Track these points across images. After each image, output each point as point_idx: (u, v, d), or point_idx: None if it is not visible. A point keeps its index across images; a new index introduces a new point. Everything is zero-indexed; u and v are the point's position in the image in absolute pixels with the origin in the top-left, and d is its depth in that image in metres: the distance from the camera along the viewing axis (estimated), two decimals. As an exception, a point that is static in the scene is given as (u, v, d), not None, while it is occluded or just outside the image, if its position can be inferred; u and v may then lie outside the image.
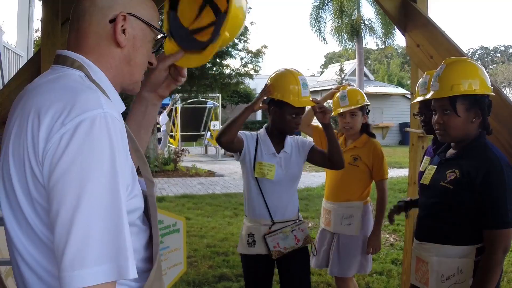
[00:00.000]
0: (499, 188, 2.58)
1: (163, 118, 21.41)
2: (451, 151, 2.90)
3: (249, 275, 3.75)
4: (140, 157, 1.56)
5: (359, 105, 4.25)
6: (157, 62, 1.74)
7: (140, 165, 1.61)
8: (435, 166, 2.92)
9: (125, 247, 1.22)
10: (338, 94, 4.43)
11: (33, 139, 1.25)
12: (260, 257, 3.62)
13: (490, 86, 2.78)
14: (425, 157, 3.66)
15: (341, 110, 4.30)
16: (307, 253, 3.75)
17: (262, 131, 3.77)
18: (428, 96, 2.92)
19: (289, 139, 3.74)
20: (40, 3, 4.12)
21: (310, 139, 4.16)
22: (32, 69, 3.74)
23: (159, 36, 1.65)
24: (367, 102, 4.36)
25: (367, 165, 4.24)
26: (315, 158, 3.78)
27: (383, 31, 26.42)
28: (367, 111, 4.41)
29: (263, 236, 3.56)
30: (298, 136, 3.87)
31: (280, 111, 3.55)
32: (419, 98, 3.51)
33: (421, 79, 3.71)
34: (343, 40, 27.55)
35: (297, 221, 3.67)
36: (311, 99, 3.61)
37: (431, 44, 4.12)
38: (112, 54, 1.51)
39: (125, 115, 1.52)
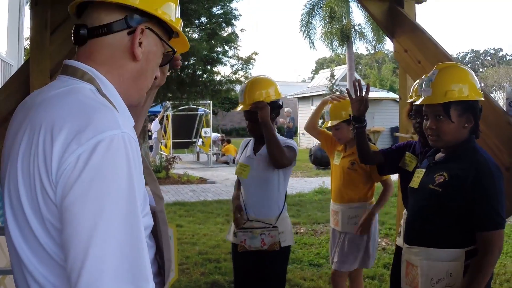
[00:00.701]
0: (490, 190, 2.61)
1: (154, 125, 21.36)
2: (440, 155, 2.92)
3: (236, 262, 4.10)
4: (149, 174, 1.53)
5: (339, 120, 4.39)
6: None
7: (149, 182, 1.57)
8: (424, 170, 2.94)
9: (145, 269, 1.21)
10: (324, 109, 4.65)
11: (45, 157, 1.22)
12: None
13: (480, 91, 2.81)
14: (408, 153, 3.70)
15: (327, 125, 4.55)
16: (284, 255, 3.92)
17: None
18: (418, 102, 2.94)
19: None
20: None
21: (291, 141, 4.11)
22: (21, 79, 3.74)
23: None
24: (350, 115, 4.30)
25: (364, 169, 4.35)
26: None
27: (375, 36, 26.49)
28: None
29: (237, 229, 3.90)
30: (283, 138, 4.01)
31: None
32: (410, 100, 3.55)
33: (418, 80, 3.70)
34: (334, 46, 27.61)
35: (271, 226, 3.82)
36: (263, 102, 3.79)
37: (418, 49, 4.15)
38: (126, 67, 1.48)
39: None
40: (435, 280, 2.69)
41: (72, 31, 1.46)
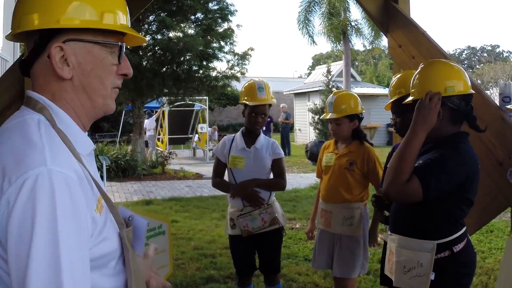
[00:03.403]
0: (440, 158, 2.65)
1: (149, 123, 21.35)
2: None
3: (235, 253, 4.52)
4: (107, 200, 1.43)
5: (343, 115, 4.26)
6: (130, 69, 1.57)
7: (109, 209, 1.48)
8: None
9: None
10: (328, 98, 4.44)
11: None
12: (240, 237, 4.34)
13: (450, 84, 2.79)
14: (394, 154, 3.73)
15: (328, 117, 4.34)
16: (279, 234, 4.40)
17: (239, 132, 4.54)
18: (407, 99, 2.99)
19: (263, 139, 4.44)
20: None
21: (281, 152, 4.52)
22: (16, 74, 3.72)
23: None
24: (357, 111, 4.32)
25: (362, 170, 4.26)
26: (272, 169, 4.45)
27: (372, 32, 26.45)
28: (361, 117, 4.38)
29: (236, 217, 4.29)
30: (275, 140, 4.54)
31: (245, 111, 4.36)
32: (391, 100, 3.58)
33: (393, 79, 3.73)
34: (332, 41, 27.55)
35: (266, 205, 4.29)
36: (274, 100, 4.38)
37: (412, 44, 4.16)
38: (64, 88, 1.42)
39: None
40: (407, 268, 2.76)
41: None
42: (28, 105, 1.40)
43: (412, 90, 2.88)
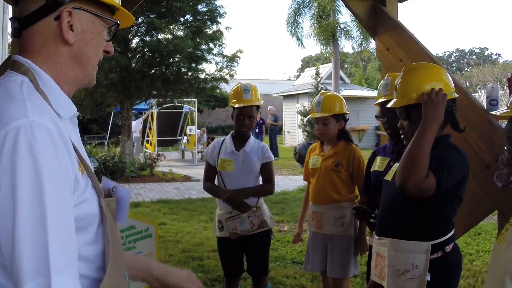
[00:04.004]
0: (445, 155, 2.69)
1: (136, 125, 21.29)
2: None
3: (223, 255, 4.53)
4: (86, 167, 1.45)
5: (331, 114, 4.30)
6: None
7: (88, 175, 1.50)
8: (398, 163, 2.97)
9: (47, 262, 1.20)
10: (315, 98, 4.49)
11: None
12: (228, 239, 4.33)
13: (452, 88, 2.85)
14: (379, 157, 3.74)
15: (316, 115, 4.36)
16: (267, 237, 4.41)
17: (229, 135, 4.55)
18: (390, 104, 3.00)
19: (253, 142, 4.45)
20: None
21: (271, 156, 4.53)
22: (2, 74, 3.70)
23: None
24: (343, 111, 4.36)
25: (348, 171, 4.29)
26: (261, 172, 4.45)
27: (362, 35, 26.51)
28: (346, 118, 4.43)
29: (225, 220, 4.30)
30: (265, 144, 4.56)
31: (233, 114, 4.41)
32: (378, 101, 3.60)
33: (382, 81, 3.76)
34: (321, 44, 27.61)
35: (255, 208, 4.30)
36: (261, 101, 4.42)
37: (400, 47, 4.17)
38: (60, 52, 1.46)
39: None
40: (400, 271, 2.74)
41: None
42: (13, 68, 1.43)
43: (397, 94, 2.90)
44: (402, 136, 2.94)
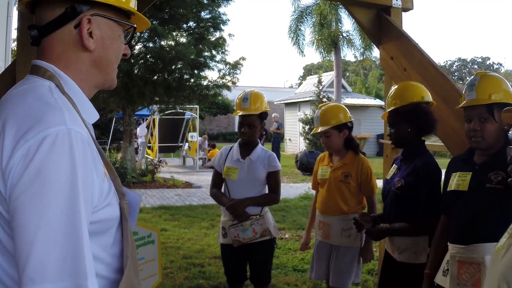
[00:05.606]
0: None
1: (141, 130, 21.29)
2: (480, 158, 2.99)
3: (226, 262, 4.54)
4: (110, 170, 1.51)
5: (330, 126, 4.29)
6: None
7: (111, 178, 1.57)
8: (470, 173, 2.99)
9: (84, 266, 1.22)
10: (315, 113, 4.51)
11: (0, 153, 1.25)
12: (232, 246, 4.32)
13: None
14: (393, 165, 3.75)
15: (318, 130, 4.38)
16: (270, 246, 4.40)
17: (236, 143, 4.57)
18: (462, 104, 3.03)
19: (260, 150, 4.44)
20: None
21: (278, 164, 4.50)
22: (8, 79, 3.71)
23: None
24: (343, 120, 4.34)
25: (357, 182, 4.29)
26: (267, 181, 4.43)
27: (363, 43, 26.55)
28: (350, 126, 4.41)
29: (228, 227, 4.30)
30: (272, 153, 4.51)
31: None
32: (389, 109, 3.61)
33: (392, 88, 3.77)
34: (323, 52, 27.64)
35: (257, 216, 4.31)
36: (262, 110, 4.37)
37: (404, 56, 4.17)
38: (81, 59, 1.50)
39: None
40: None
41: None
42: (36, 74, 1.46)
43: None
44: (473, 139, 2.94)
